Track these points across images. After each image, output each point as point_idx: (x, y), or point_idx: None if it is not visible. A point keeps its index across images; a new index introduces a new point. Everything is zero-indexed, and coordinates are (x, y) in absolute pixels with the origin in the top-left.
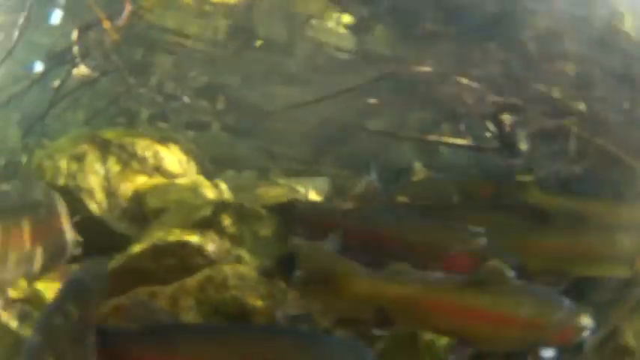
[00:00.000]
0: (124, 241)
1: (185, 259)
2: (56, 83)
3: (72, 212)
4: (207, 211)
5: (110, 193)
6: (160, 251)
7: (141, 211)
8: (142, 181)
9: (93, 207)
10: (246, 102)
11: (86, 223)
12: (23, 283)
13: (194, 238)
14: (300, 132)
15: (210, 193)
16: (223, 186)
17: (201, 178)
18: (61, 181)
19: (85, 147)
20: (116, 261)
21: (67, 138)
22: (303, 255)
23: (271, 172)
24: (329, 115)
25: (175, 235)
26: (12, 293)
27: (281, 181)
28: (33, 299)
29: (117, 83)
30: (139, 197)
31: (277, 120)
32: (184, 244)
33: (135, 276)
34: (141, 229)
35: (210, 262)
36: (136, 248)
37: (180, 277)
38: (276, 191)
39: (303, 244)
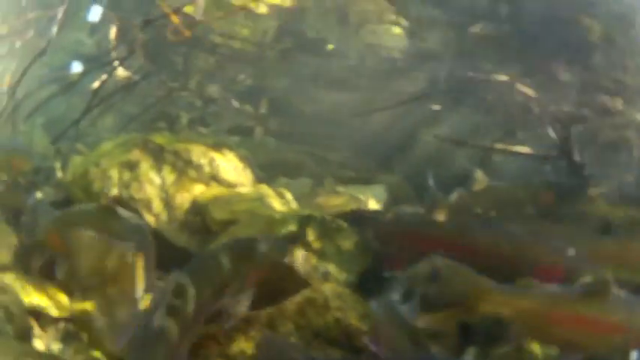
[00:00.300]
0: (185, 256)
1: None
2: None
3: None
4: (293, 225)
5: (167, 203)
6: None
7: (201, 223)
8: (199, 190)
9: (150, 219)
10: (291, 106)
11: (157, 239)
12: (65, 301)
13: None
14: (348, 137)
15: (276, 203)
16: (288, 195)
17: (264, 187)
18: (114, 192)
19: (137, 154)
20: None
21: (115, 143)
22: (446, 271)
23: (325, 180)
24: (379, 120)
25: None
26: (53, 312)
27: (340, 189)
28: (78, 319)
29: (155, 86)
30: (199, 208)
31: (324, 124)
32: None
33: None
34: (202, 243)
35: (301, 281)
36: None
37: (269, 299)
38: (337, 200)
39: (443, 261)
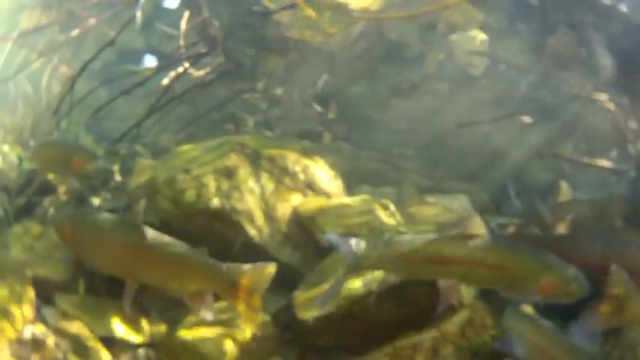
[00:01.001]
0: (291, 273)
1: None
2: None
3: (230, 239)
4: None
5: (268, 215)
6: (398, 293)
7: (306, 237)
8: (296, 200)
9: (252, 232)
10: (362, 111)
11: (246, 252)
12: (141, 325)
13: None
14: (418, 144)
15: (382, 215)
16: (392, 206)
17: (367, 197)
18: (215, 203)
19: (234, 159)
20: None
21: (202, 147)
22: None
23: (404, 188)
24: (450, 129)
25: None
26: (132, 338)
27: (430, 198)
28: (170, 347)
29: (222, 86)
30: (301, 220)
31: (394, 131)
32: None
33: (357, 324)
34: (308, 259)
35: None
36: (355, 287)
37: (417, 322)
38: (431, 211)
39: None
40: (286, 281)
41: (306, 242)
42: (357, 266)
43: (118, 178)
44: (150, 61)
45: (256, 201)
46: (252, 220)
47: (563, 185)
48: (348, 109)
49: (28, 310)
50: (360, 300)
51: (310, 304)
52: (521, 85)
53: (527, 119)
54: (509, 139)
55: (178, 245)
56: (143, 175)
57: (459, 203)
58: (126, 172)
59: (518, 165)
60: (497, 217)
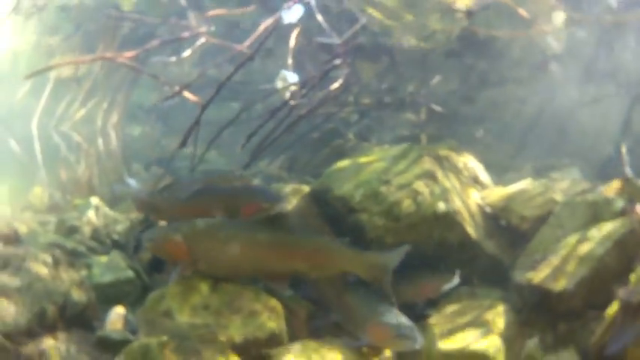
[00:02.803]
0: (497, 263)
1: None
2: None
3: (448, 242)
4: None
5: (469, 212)
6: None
7: (495, 227)
8: (474, 194)
9: (470, 231)
10: (449, 108)
11: (461, 252)
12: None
13: None
14: (513, 131)
15: (551, 191)
16: (549, 184)
17: (529, 180)
18: (442, 207)
19: (430, 163)
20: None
21: (378, 157)
22: None
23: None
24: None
25: None
26: None
27: (554, 174)
28: None
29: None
30: (494, 211)
31: (481, 123)
32: None
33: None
34: (509, 247)
35: None
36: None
37: None
38: (564, 184)
39: None
40: (497, 271)
41: (499, 231)
42: None
43: None
44: (286, 79)
45: (460, 201)
46: (465, 219)
47: None
48: (441, 109)
49: None
50: (601, 259)
51: (556, 277)
52: (601, 60)
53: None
54: (605, 115)
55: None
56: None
57: (573, 176)
58: None
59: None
60: None
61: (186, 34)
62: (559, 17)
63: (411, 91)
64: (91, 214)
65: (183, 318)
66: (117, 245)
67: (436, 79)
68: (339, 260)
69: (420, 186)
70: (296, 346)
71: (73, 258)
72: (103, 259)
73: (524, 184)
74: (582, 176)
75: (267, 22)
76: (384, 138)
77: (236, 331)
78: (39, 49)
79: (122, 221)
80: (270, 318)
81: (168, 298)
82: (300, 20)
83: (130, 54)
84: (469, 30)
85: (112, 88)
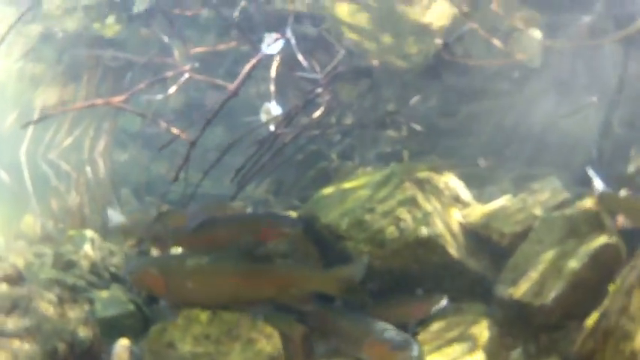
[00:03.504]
0: (479, 280)
1: None
2: None
3: (432, 264)
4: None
5: (450, 233)
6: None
7: (476, 245)
8: (455, 214)
9: (452, 252)
10: (427, 123)
11: (443, 272)
12: None
13: None
14: (492, 143)
15: (532, 207)
16: (530, 199)
17: (509, 196)
18: (424, 232)
19: (410, 188)
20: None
21: (360, 183)
22: None
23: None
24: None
25: None
26: None
27: (534, 185)
28: None
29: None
30: (475, 229)
31: (457, 137)
32: None
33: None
34: (491, 263)
35: None
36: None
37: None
38: (543, 196)
39: None
40: (480, 287)
41: (481, 248)
42: None
43: None
44: (271, 110)
45: (442, 223)
46: (447, 241)
47: None
48: (420, 125)
49: None
50: (578, 273)
51: (536, 291)
52: (579, 71)
53: (594, 102)
54: (583, 124)
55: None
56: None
57: (553, 185)
58: None
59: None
60: None
61: (170, 73)
62: (536, 33)
63: (391, 110)
64: (87, 247)
65: (186, 347)
66: (115, 278)
67: (415, 99)
68: (308, 282)
69: (403, 212)
70: None
71: (75, 294)
72: (104, 293)
73: (504, 200)
74: (562, 185)
75: (251, 62)
76: (366, 156)
77: (236, 357)
78: (23, 78)
79: (117, 253)
80: (268, 344)
81: (171, 330)
82: (281, 50)
83: (119, 98)
84: (446, 53)
85: (98, 116)
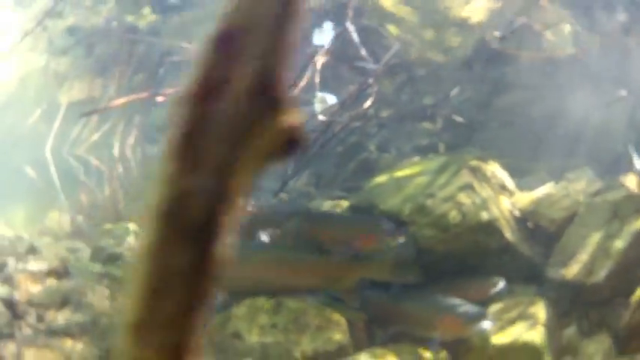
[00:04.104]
0: (531, 264)
1: None
2: None
3: (490, 248)
4: None
5: (504, 218)
6: None
7: (525, 230)
8: (504, 201)
9: (508, 236)
10: (463, 116)
11: (500, 256)
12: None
13: None
14: (522, 134)
15: (575, 193)
16: (570, 186)
17: (552, 184)
18: (485, 216)
19: (468, 175)
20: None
21: (414, 170)
22: None
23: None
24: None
25: None
26: None
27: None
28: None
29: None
30: (525, 215)
31: (492, 129)
32: None
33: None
34: (543, 248)
35: None
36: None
37: None
38: (580, 184)
39: None
40: (531, 271)
41: (530, 234)
42: None
43: None
44: (326, 99)
45: (496, 208)
46: (504, 226)
47: None
48: (455, 117)
49: None
50: (624, 252)
51: (587, 271)
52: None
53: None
54: (612, 117)
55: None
56: None
57: (587, 176)
58: None
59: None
60: None
61: None
62: (567, 28)
63: (429, 102)
64: (131, 240)
65: (253, 338)
66: None
67: (455, 91)
68: (362, 270)
69: (463, 197)
70: (363, 355)
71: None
72: None
73: (548, 188)
74: (594, 175)
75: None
76: (403, 148)
77: (307, 346)
78: (47, 73)
79: None
80: (336, 331)
81: (235, 320)
82: (333, 40)
83: (169, 91)
84: (483, 42)
85: (128, 109)
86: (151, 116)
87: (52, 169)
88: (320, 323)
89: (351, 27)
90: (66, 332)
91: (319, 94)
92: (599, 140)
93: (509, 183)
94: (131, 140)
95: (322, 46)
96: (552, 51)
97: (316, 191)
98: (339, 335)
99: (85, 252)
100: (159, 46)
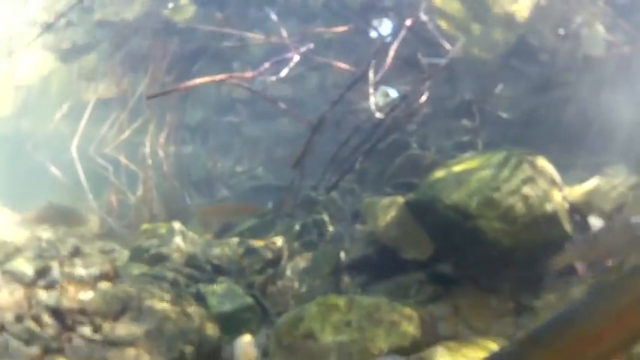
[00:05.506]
0: None
1: None
2: None
3: (550, 238)
4: None
5: (562, 209)
6: None
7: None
8: (556, 193)
9: (567, 227)
10: (495, 112)
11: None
12: None
13: None
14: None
15: (620, 187)
16: (615, 180)
17: (598, 178)
18: (549, 208)
19: (529, 169)
20: None
21: (472, 166)
22: None
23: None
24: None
25: None
26: None
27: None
28: None
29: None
30: (577, 206)
31: (524, 126)
32: None
33: None
34: None
35: None
36: None
37: None
38: (617, 180)
39: None
40: None
41: (579, 224)
42: None
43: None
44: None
45: (554, 201)
46: (563, 217)
47: None
48: (493, 113)
49: None
50: None
51: None
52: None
53: None
54: None
55: None
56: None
57: (622, 172)
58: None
59: None
60: None
61: (291, 54)
62: (599, 26)
63: (470, 98)
64: (178, 240)
65: (328, 337)
66: (219, 271)
67: (499, 88)
68: None
69: (527, 190)
70: (439, 348)
71: (177, 289)
72: (217, 287)
73: (595, 181)
74: (628, 171)
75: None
76: (442, 145)
77: (382, 342)
78: (71, 69)
79: (216, 245)
80: (410, 325)
81: (308, 320)
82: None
83: (247, 75)
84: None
85: (160, 108)
86: (185, 116)
87: (79, 168)
88: (394, 319)
89: (410, 23)
90: (128, 342)
91: (383, 88)
92: (628, 138)
93: (558, 177)
94: (163, 139)
95: (387, 39)
96: (588, 49)
97: (360, 187)
98: (412, 329)
99: (120, 253)
100: (194, 42)
